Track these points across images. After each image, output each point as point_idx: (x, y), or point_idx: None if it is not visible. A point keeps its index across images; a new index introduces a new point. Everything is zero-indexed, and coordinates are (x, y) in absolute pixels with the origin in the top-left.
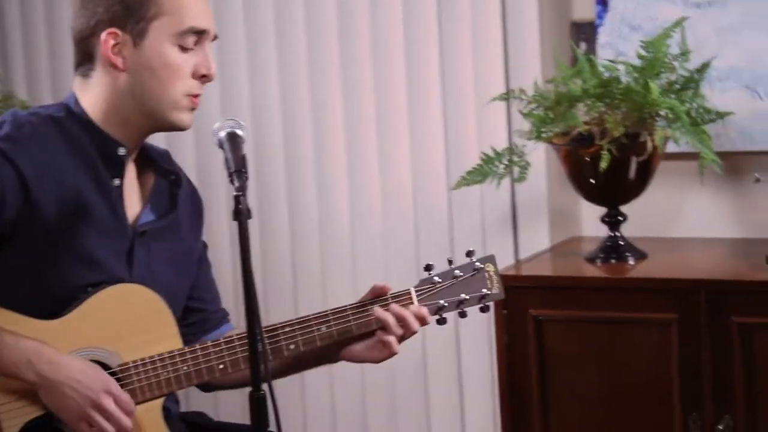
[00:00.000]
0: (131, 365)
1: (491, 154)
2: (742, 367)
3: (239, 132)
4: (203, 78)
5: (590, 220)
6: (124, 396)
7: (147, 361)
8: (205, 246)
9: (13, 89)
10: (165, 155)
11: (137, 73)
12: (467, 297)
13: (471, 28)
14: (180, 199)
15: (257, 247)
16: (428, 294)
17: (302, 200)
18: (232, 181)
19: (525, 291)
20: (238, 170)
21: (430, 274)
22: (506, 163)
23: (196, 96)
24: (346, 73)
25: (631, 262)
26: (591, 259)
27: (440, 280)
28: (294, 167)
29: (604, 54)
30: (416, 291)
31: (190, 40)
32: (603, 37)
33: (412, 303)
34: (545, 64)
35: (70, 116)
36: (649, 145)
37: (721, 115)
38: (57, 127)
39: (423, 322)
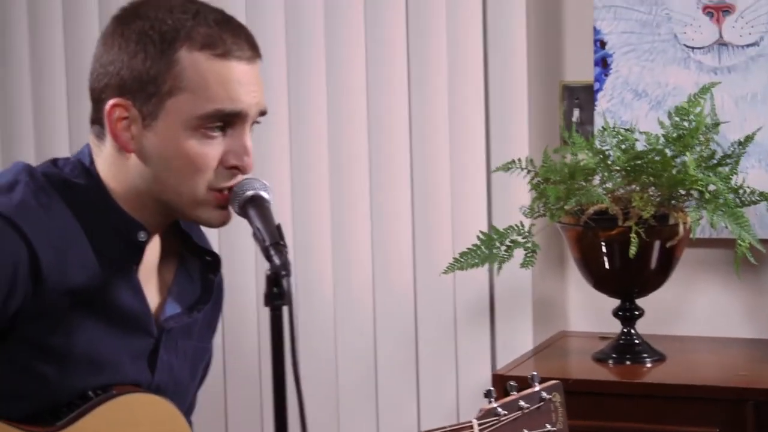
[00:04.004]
0: None
1: (491, 233)
2: None
3: (264, 194)
4: (234, 169)
5: (578, 313)
6: None
7: None
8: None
9: None
10: (197, 228)
11: (148, 160)
12: None
13: (447, 88)
14: (214, 286)
15: None
16: (491, 428)
17: None
18: (269, 258)
19: None
20: (275, 243)
21: (491, 402)
22: (509, 244)
23: (221, 191)
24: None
25: (649, 364)
26: (601, 360)
27: (505, 413)
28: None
29: (601, 123)
30: (479, 424)
31: (216, 125)
32: (602, 103)
33: None
34: (532, 132)
35: (87, 183)
36: (681, 228)
37: (766, 197)
38: (73, 195)
39: None
